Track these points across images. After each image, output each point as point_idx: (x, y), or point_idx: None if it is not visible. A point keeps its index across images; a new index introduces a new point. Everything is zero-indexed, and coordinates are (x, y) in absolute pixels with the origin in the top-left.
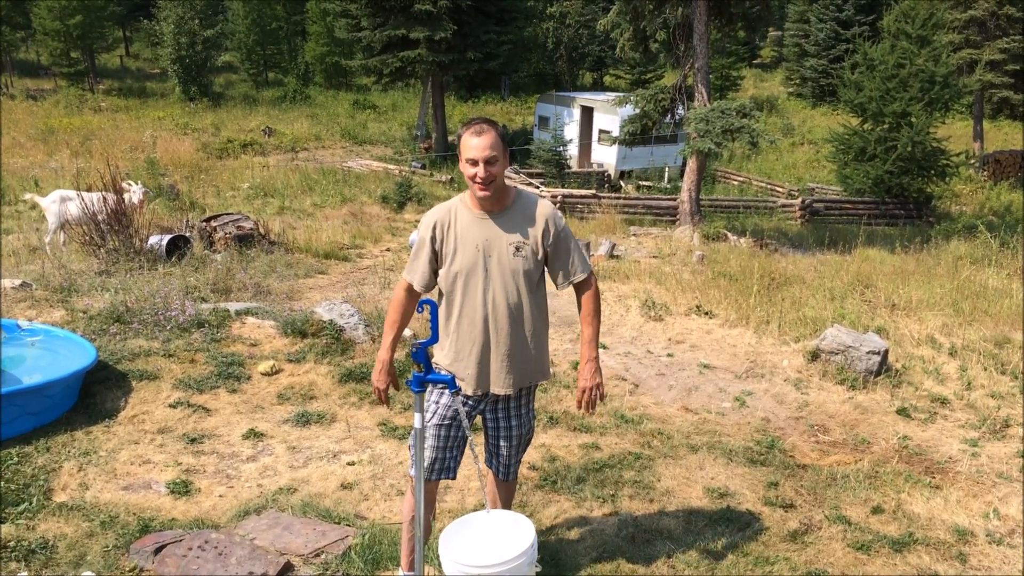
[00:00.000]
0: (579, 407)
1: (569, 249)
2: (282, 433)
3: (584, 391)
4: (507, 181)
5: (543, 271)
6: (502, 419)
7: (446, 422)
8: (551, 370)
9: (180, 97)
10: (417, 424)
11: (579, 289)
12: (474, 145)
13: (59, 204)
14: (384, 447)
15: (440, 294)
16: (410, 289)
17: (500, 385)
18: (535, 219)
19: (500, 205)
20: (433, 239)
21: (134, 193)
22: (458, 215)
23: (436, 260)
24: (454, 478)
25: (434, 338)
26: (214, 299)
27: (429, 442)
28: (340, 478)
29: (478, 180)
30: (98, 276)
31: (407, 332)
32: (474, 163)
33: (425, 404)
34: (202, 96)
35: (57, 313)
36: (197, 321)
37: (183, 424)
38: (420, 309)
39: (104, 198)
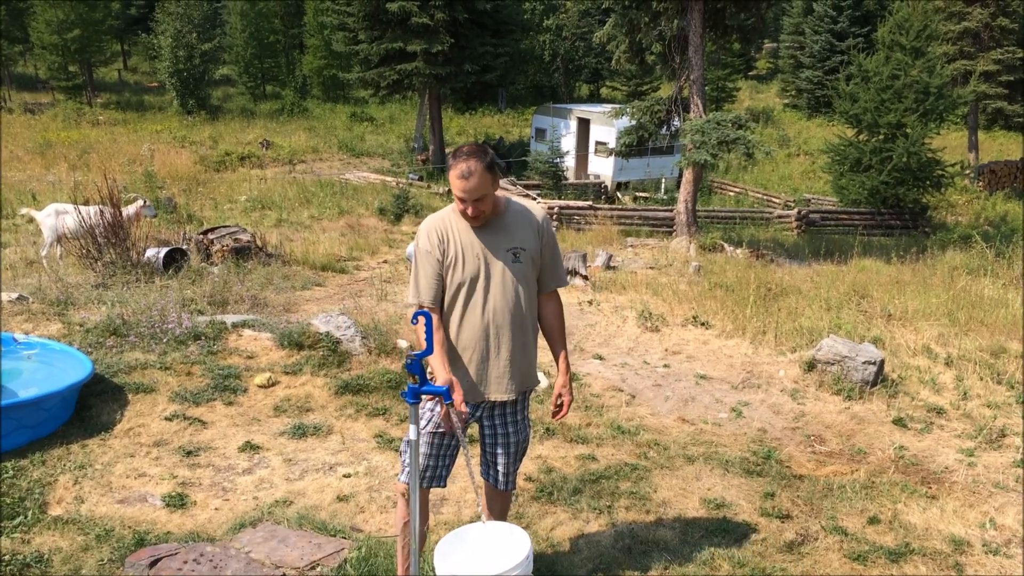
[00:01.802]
0: (563, 415)
1: (557, 256)
2: (278, 445)
3: (568, 404)
4: (501, 192)
5: (537, 276)
6: (499, 426)
7: (440, 430)
8: (547, 380)
9: (178, 110)
10: (412, 435)
11: (552, 299)
12: (460, 188)
13: (54, 218)
14: (380, 459)
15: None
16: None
17: (502, 391)
18: (529, 224)
19: (494, 213)
20: (430, 251)
21: (132, 206)
22: (454, 225)
23: (442, 270)
24: (444, 486)
25: (429, 349)
26: (211, 311)
27: (422, 449)
28: (336, 490)
29: (468, 216)
30: (95, 289)
31: (403, 344)
32: (462, 201)
33: (420, 411)
34: (200, 109)
35: (53, 326)
36: (194, 333)
37: (179, 437)
38: (415, 321)
39: (101, 211)
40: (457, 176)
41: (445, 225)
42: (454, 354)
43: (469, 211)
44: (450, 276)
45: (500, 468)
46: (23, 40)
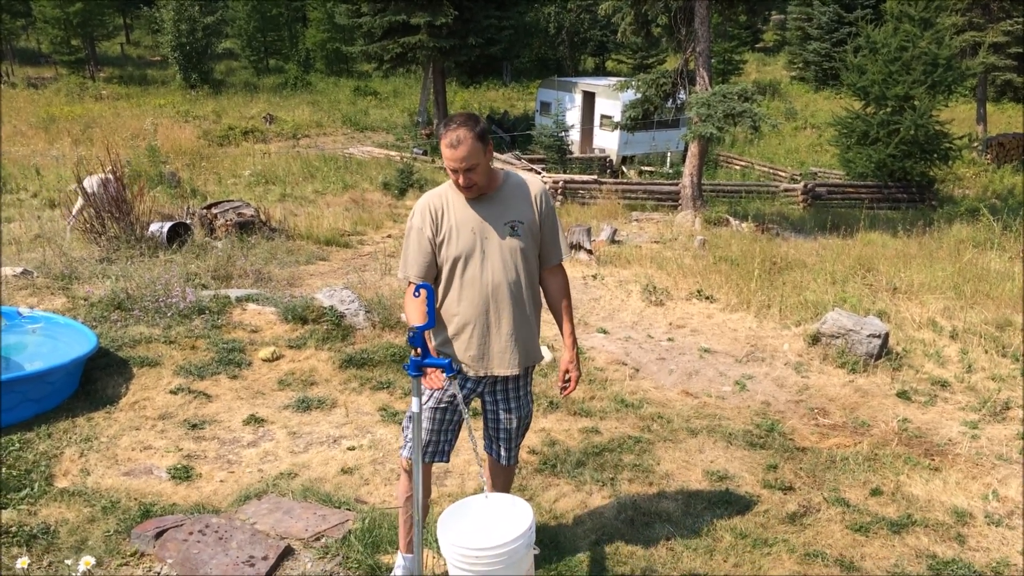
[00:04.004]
0: (571, 391)
1: (557, 228)
2: (283, 419)
3: (576, 379)
4: (504, 166)
5: (538, 249)
6: (501, 402)
7: (442, 405)
8: (551, 354)
9: (181, 84)
10: (415, 408)
11: (556, 273)
12: (450, 157)
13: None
14: (384, 432)
15: (437, 278)
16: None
17: (505, 366)
18: (528, 197)
19: (491, 187)
20: (422, 227)
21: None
22: (450, 200)
23: (432, 246)
24: (447, 461)
25: (431, 322)
26: (215, 286)
27: (424, 425)
28: (340, 463)
29: (460, 186)
30: (99, 263)
31: (404, 316)
32: (454, 171)
33: (422, 386)
34: (203, 83)
35: (58, 300)
36: (198, 308)
37: (184, 410)
38: (417, 293)
39: (104, 184)
40: (446, 145)
41: (441, 201)
42: (455, 329)
43: (461, 181)
44: (444, 251)
45: (503, 444)
46: (25, 14)
